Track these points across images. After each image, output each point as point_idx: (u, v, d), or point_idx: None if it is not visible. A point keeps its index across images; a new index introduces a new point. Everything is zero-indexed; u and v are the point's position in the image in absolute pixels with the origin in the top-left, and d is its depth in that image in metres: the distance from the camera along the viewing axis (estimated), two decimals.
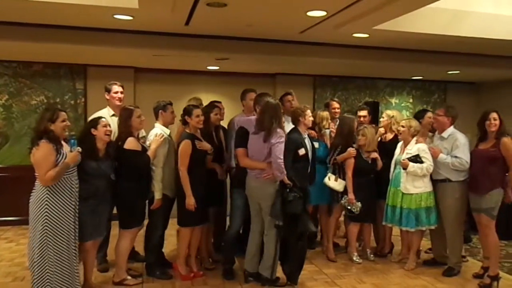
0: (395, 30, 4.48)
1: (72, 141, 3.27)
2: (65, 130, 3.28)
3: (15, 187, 5.90)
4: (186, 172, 3.84)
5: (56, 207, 3.19)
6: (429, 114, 4.85)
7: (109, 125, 3.63)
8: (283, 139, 3.76)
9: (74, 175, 3.32)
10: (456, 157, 4.16)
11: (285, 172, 3.75)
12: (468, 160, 4.14)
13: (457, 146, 4.18)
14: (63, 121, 3.24)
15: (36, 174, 3.20)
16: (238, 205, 4.13)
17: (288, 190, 3.80)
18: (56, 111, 3.26)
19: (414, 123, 4.50)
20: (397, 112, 5.01)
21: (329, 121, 4.86)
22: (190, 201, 3.84)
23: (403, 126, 4.48)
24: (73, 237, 3.31)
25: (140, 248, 4.46)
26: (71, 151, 3.26)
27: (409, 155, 4.36)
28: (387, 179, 4.60)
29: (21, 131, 6.19)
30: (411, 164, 4.30)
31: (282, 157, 3.70)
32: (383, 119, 4.91)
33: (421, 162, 4.29)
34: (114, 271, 3.99)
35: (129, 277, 3.98)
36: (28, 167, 5.92)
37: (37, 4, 3.75)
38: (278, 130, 3.75)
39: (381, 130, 4.89)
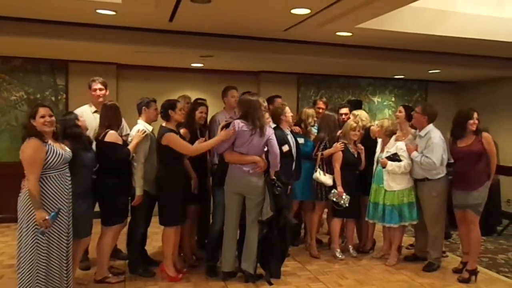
0: (378, 29, 4.53)
1: (53, 214, 3.09)
2: (46, 125, 3.13)
3: None
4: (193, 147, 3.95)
5: (47, 206, 3.09)
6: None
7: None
8: (273, 131, 3.93)
9: (66, 171, 3.23)
10: (426, 156, 4.23)
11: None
12: (437, 161, 4.19)
13: (428, 146, 4.25)
14: (42, 117, 3.12)
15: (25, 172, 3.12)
16: (220, 202, 4.12)
17: (275, 184, 3.90)
18: (36, 107, 3.18)
19: (386, 123, 4.63)
20: (361, 111, 5.19)
21: (315, 118, 4.89)
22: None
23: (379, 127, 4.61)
24: (65, 236, 3.22)
25: (122, 246, 4.42)
26: (46, 218, 3.03)
27: (389, 154, 4.46)
28: (371, 176, 4.69)
29: (0, 127, 6.06)
30: (389, 163, 4.40)
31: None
32: (350, 119, 5.00)
33: (399, 160, 4.38)
34: (96, 269, 3.95)
35: (111, 275, 3.95)
36: (7, 164, 5.78)
37: None
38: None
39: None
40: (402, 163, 4.37)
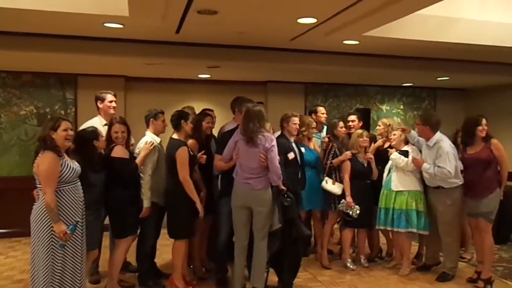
0: (385, 36, 4.51)
1: (72, 226, 3.11)
2: (67, 139, 3.18)
3: (4, 198, 5.82)
4: (190, 179, 3.80)
5: (63, 218, 3.09)
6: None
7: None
8: (275, 143, 3.77)
9: (79, 184, 3.25)
10: (439, 166, 4.16)
11: (282, 177, 3.76)
12: (452, 169, 4.11)
13: (440, 155, 4.18)
14: (65, 130, 3.16)
15: (38, 185, 3.12)
16: (225, 212, 4.06)
17: (284, 195, 3.80)
18: (59, 120, 3.20)
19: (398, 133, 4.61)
20: (393, 121, 5.08)
21: (312, 126, 4.79)
22: (200, 207, 3.84)
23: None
24: (79, 249, 3.22)
25: (132, 259, 4.40)
26: (66, 232, 3.07)
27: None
28: (381, 186, 4.63)
29: (10, 142, 6.10)
30: (395, 152, 4.42)
31: (277, 161, 3.72)
32: (380, 127, 4.97)
33: (407, 157, 4.40)
34: (106, 282, 3.92)
35: None
36: (16, 178, 5.80)
37: (25, 12, 3.71)
38: (268, 134, 3.78)
39: (380, 142, 4.91)
40: (406, 159, 4.36)
